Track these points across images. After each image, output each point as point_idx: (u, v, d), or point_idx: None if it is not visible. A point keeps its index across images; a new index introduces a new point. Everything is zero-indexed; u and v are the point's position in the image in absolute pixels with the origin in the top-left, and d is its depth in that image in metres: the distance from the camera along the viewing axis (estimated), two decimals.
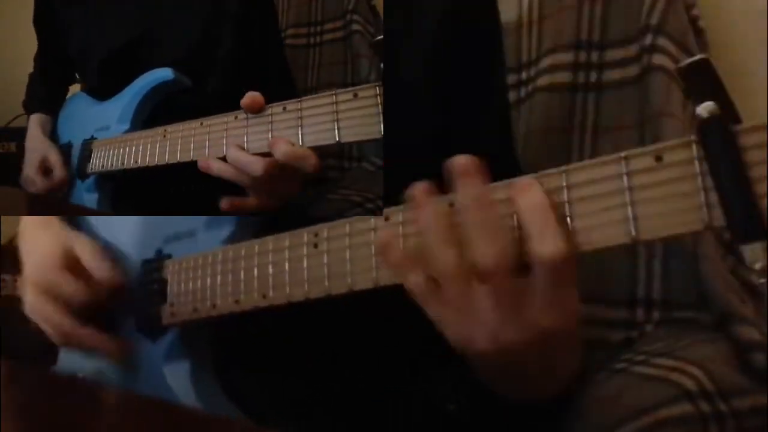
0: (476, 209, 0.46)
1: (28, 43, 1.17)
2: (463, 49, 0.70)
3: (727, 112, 0.37)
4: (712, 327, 0.78)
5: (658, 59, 0.86)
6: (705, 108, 0.37)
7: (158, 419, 0.51)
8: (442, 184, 0.66)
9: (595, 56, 0.93)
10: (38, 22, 1.13)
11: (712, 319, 0.79)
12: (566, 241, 0.43)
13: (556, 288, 0.45)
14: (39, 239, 0.74)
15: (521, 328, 0.46)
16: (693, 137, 0.39)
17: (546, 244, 0.43)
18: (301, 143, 0.66)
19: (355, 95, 0.64)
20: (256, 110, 0.70)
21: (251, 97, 0.70)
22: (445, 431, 0.64)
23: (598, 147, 0.92)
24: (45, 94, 1.15)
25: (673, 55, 0.86)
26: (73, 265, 0.71)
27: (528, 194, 0.45)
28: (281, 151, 0.66)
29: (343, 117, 0.64)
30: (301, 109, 0.67)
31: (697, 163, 0.38)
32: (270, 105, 0.70)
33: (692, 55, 0.86)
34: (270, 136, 0.68)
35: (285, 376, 0.67)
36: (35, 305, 0.71)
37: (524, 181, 0.45)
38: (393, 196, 0.68)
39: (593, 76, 0.93)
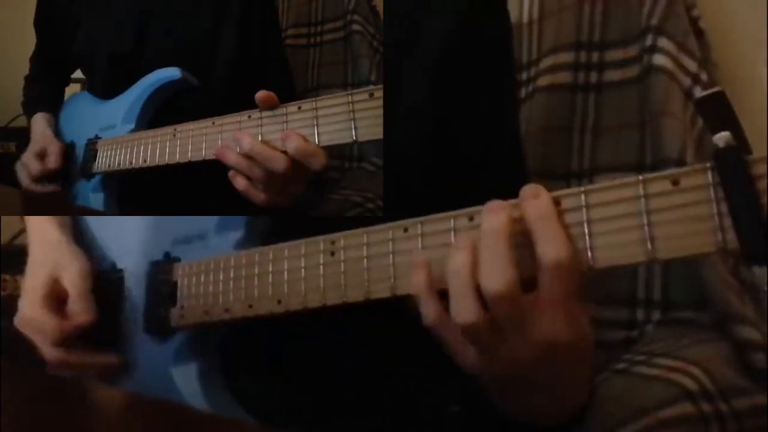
0: (490, 239, 0.46)
1: (29, 43, 1.17)
2: (473, 54, 0.70)
3: (740, 142, 0.40)
4: (712, 327, 0.78)
5: (659, 59, 0.86)
6: (721, 138, 0.40)
7: (160, 421, 0.51)
8: (443, 185, 0.66)
9: (595, 56, 0.93)
10: (40, 21, 1.12)
11: (712, 319, 0.79)
12: (572, 248, 0.44)
13: (561, 298, 0.45)
14: (35, 258, 0.75)
15: (528, 345, 0.46)
16: (709, 164, 0.40)
17: (550, 247, 0.44)
18: (317, 142, 0.66)
19: (371, 95, 0.64)
20: (270, 106, 0.69)
21: (265, 93, 0.69)
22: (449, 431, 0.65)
23: (599, 147, 0.92)
24: (44, 94, 1.15)
25: (673, 56, 0.86)
26: (56, 297, 0.71)
27: (535, 202, 0.46)
28: (293, 145, 0.65)
29: (359, 116, 0.64)
30: (316, 108, 0.66)
31: (712, 189, 0.40)
32: (284, 104, 0.69)
33: (693, 55, 0.86)
34: None
35: (291, 378, 0.67)
36: (26, 334, 0.72)
37: (532, 189, 0.46)
38: (393, 196, 0.69)
39: (594, 77, 0.93)
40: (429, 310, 0.49)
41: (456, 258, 0.47)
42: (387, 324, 0.55)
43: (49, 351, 0.71)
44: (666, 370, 0.71)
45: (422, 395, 0.66)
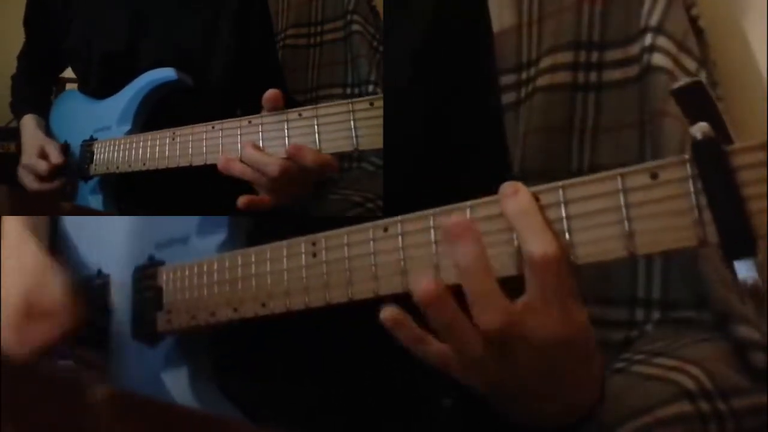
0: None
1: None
2: (453, 51, 0.70)
3: (720, 133, 0.38)
4: (712, 327, 0.78)
5: (658, 59, 0.86)
6: (699, 129, 0.39)
7: (158, 419, 0.51)
8: (442, 185, 0.66)
9: (595, 56, 0.93)
10: (30, 19, 1.12)
11: (712, 319, 0.79)
12: (559, 242, 0.43)
13: (552, 294, 0.44)
14: (10, 265, 0.73)
15: (527, 351, 0.45)
16: (687, 156, 0.39)
17: (535, 243, 0.43)
18: (318, 149, 0.67)
19: (371, 104, 0.64)
20: (276, 105, 0.69)
21: (273, 92, 0.69)
22: (442, 426, 0.64)
23: (598, 147, 0.92)
24: (33, 95, 1.14)
25: (673, 55, 0.86)
26: (31, 315, 0.70)
27: (514, 199, 0.45)
28: (309, 159, 0.66)
29: (360, 125, 0.64)
30: (317, 117, 0.67)
31: (691, 181, 0.39)
32: (285, 111, 0.70)
33: (692, 54, 0.86)
34: (286, 142, 0.68)
35: (283, 377, 0.67)
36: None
37: (510, 186, 0.45)
38: (393, 196, 0.69)
39: (593, 76, 0.93)
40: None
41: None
42: (378, 319, 0.54)
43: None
44: (665, 370, 0.71)
45: (415, 390, 0.66)
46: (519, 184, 0.45)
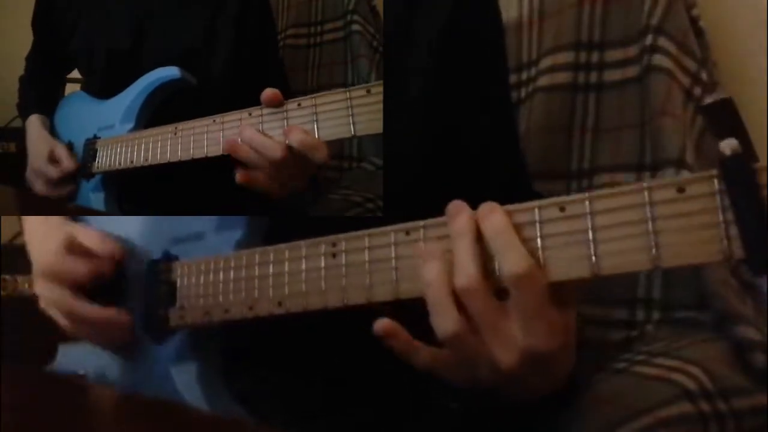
0: (455, 242, 0.48)
1: (30, 43, 1.17)
2: (464, 51, 0.70)
3: (746, 149, 0.39)
4: (712, 327, 0.78)
5: (659, 59, 0.86)
6: (728, 145, 0.39)
7: (160, 420, 0.51)
8: (442, 184, 0.67)
9: (595, 56, 0.93)
10: (38, 20, 1.12)
11: (712, 319, 0.79)
12: (529, 262, 0.46)
13: (529, 309, 0.46)
14: (40, 233, 0.75)
15: (507, 354, 0.47)
16: (714, 172, 0.40)
17: (509, 261, 0.46)
18: (317, 137, 0.68)
19: (368, 91, 0.66)
20: (276, 104, 0.70)
21: (272, 91, 0.70)
22: (448, 428, 0.65)
23: (599, 147, 0.92)
24: (40, 95, 1.14)
25: (673, 55, 0.86)
26: (75, 247, 0.71)
27: (490, 218, 0.47)
28: (296, 138, 0.67)
29: (357, 112, 0.66)
30: (315, 105, 0.68)
31: (718, 196, 0.40)
32: (284, 101, 0.71)
33: (693, 55, 0.86)
34: None
35: (291, 378, 0.67)
36: (44, 293, 0.72)
37: (486, 206, 0.48)
38: (393, 196, 0.69)
39: (593, 77, 0.93)
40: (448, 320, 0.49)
41: (428, 268, 0.49)
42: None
43: (68, 300, 0.70)
44: (665, 370, 0.71)
45: (422, 393, 0.66)
46: (495, 205, 0.48)
